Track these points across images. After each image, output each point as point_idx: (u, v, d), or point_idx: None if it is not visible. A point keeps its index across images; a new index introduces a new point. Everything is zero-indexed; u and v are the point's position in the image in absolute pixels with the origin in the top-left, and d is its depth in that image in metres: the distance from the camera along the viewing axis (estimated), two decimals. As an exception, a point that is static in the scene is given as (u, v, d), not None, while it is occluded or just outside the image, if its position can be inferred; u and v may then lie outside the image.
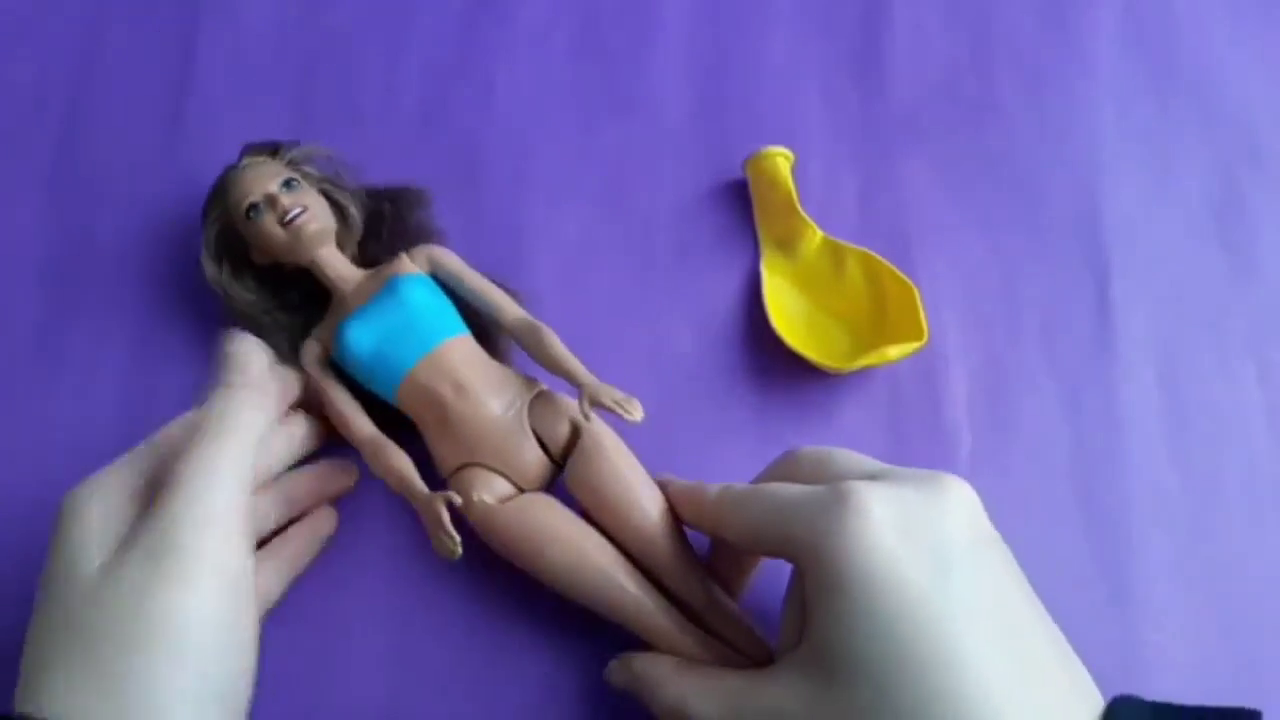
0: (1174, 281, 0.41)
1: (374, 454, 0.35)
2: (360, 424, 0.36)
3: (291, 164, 0.38)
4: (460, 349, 0.36)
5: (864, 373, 0.39)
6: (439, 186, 0.41)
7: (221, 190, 0.37)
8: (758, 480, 0.33)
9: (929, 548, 0.26)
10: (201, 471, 0.29)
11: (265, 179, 0.37)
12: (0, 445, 0.38)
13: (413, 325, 0.35)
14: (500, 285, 0.38)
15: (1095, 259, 0.41)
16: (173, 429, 0.32)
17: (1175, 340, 0.40)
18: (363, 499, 0.37)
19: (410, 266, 0.37)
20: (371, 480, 0.35)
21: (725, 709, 0.28)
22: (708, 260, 0.41)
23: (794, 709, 0.26)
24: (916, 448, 0.38)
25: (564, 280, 0.40)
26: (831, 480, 0.29)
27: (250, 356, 0.33)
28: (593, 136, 0.43)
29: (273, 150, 0.38)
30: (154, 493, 0.29)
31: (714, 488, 0.32)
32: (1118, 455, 0.39)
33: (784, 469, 0.32)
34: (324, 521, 0.36)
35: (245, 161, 0.38)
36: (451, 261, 0.38)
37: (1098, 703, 0.26)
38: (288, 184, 0.37)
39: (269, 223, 0.36)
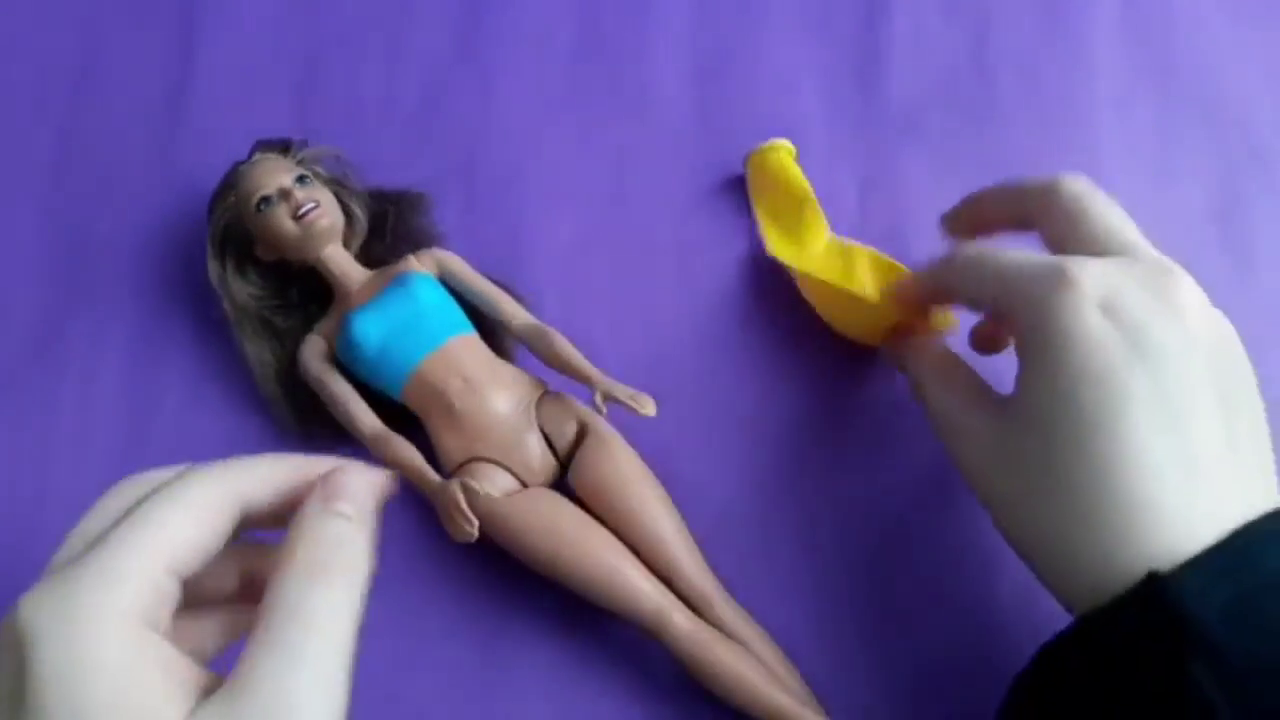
0: (1174, 281, 0.41)
1: (383, 448, 0.35)
2: (365, 419, 0.36)
3: (302, 163, 0.38)
4: (469, 346, 0.36)
5: (864, 373, 0.39)
6: (439, 186, 0.41)
7: (232, 183, 0.38)
8: (994, 195, 0.35)
9: (1129, 330, 0.28)
10: (321, 621, 0.24)
11: (279, 173, 0.37)
12: (-1, 445, 0.38)
13: (422, 319, 0.36)
14: (506, 290, 0.38)
15: (1095, 259, 0.41)
16: (163, 530, 0.24)
17: (1175, 340, 0.40)
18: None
19: (418, 266, 0.37)
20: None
21: (946, 404, 0.33)
22: (708, 260, 0.41)
23: (985, 440, 0.31)
24: (920, 447, 0.38)
25: (564, 280, 0.40)
26: (1073, 244, 0.31)
27: (371, 490, 0.26)
28: (593, 136, 0.43)
29: (284, 148, 0.39)
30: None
31: (941, 259, 0.34)
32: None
33: (1032, 202, 0.33)
34: None
35: (256, 157, 0.38)
36: (459, 266, 0.38)
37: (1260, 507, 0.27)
38: (301, 180, 0.37)
39: (280, 215, 0.36)
